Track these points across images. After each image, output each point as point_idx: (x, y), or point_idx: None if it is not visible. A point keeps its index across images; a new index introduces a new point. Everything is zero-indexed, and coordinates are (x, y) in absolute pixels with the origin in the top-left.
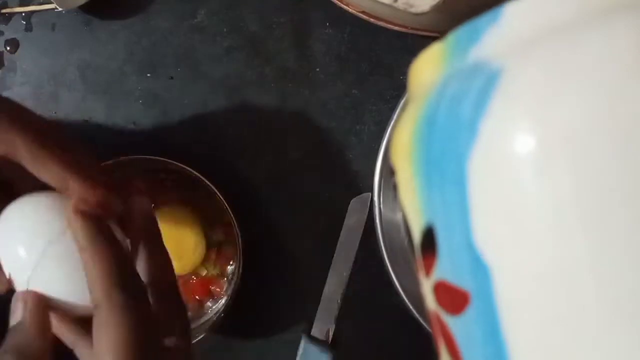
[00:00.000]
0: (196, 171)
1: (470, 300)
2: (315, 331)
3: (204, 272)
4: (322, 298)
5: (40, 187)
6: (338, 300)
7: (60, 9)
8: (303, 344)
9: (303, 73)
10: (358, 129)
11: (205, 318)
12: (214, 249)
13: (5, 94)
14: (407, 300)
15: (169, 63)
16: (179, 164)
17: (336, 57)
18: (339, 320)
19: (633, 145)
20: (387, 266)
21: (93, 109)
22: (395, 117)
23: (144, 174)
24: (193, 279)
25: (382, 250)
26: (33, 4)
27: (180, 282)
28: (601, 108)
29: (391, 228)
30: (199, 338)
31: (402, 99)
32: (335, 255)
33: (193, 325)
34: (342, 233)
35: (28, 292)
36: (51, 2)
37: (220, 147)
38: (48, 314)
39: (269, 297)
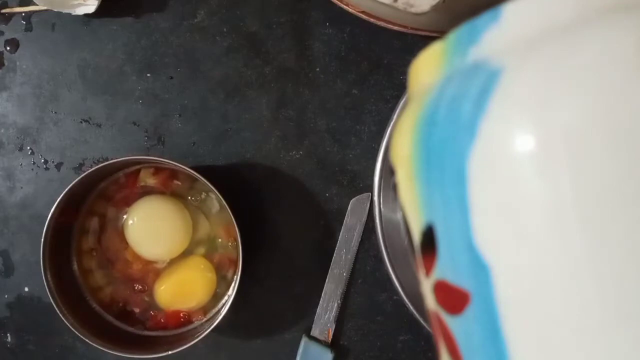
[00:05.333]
0: (196, 171)
1: (470, 299)
2: (315, 331)
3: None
4: (322, 298)
5: None
6: (338, 300)
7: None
8: (303, 344)
9: (303, 73)
10: (358, 129)
11: (205, 319)
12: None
13: (5, 94)
14: (407, 300)
15: (169, 63)
16: (179, 165)
17: (336, 57)
18: (339, 320)
19: (632, 144)
20: (387, 266)
21: (93, 109)
22: (395, 117)
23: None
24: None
25: (382, 250)
26: (33, 4)
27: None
28: (601, 108)
29: (391, 228)
30: (200, 338)
31: (402, 99)
32: (335, 255)
33: (193, 326)
34: (342, 233)
35: None
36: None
37: (220, 147)
38: None
39: (269, 297)
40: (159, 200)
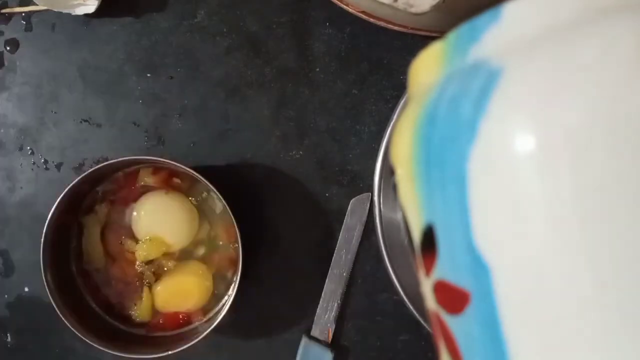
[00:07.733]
0: (196, 171)
1: (470, 299)
2: (315, 331)
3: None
4: (322, 298)
5: None
6: (338, 300)
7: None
8: (303, 344)
9: (303, 73)
10: (358, 129)
11: (204, 319)
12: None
13: (5, 94)
14: (407, 300)
15: (169, 63)
16: (179, 165)
17: (336, 57)
18: (339, 320)
19: (632, 145)
20: (387, 266)
21: (93, 109)
22: (395, 117)
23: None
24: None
25: (382, 250)
26: (33, 4)
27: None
28: (601, 107)
29: (391, 228)
30: (199, 338)
31: (402, 99)
32: (335, 255)
33: (193, 326)
34: (342, 233)
35: None
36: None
37: (220, 147)
38: None
39: (269, 297)
40: (165, 194)
